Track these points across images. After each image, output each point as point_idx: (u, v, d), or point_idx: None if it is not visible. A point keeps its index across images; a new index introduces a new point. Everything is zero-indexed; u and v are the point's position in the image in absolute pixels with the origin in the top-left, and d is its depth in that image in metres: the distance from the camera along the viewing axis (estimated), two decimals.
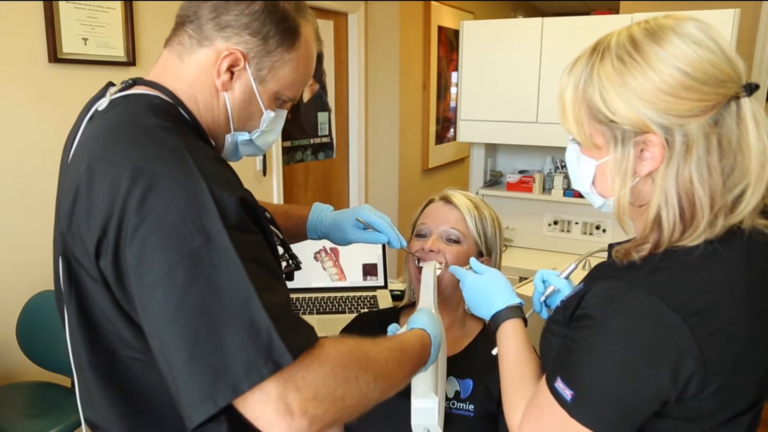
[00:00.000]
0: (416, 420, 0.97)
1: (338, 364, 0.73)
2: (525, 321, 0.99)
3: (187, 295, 0.67)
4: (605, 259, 0.87)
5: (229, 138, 0.92)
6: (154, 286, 0.68)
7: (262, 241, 0.77)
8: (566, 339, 0.80)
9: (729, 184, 0.74)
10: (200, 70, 0.86)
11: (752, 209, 0.75)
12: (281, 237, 1.01)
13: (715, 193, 0.73)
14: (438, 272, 1.21)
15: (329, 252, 1.99)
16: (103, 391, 0.83)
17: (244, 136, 0.93)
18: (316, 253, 1.98)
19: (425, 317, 0.99)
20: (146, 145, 0.75)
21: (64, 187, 0.83)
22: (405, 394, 1.17)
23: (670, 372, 0.71)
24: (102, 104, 0.85)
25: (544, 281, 1.08)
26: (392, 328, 1.05)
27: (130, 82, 0.87)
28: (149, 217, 0.69)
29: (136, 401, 0.83)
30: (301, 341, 0.70)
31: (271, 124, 0.94)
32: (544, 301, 1.07)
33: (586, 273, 0.89)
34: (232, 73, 0.86)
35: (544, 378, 0.81)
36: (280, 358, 0.67)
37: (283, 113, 0.96)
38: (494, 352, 1.00)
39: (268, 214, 1.02)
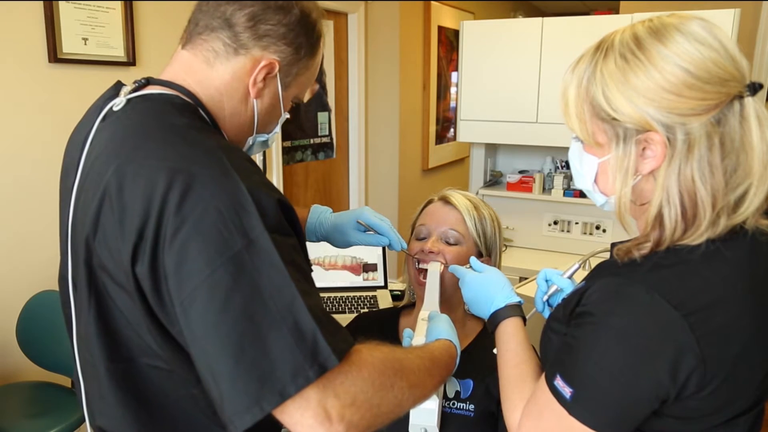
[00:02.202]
0: (415, 420, 0.97)
1: (375, 370, 0.73)
2: (524, 320, 0.99)
3: (231, 299, 0.66)
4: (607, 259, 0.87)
5: (250, 140, 0.94)
6: (196, 291, 0.67)
7: (297, 244, 0.76)
8: (565, 336, 0.80)
9: (732, 184, 0.74)
10: (233, 77, 0.86)
11: (755, 209, 0.75)
12: None
13: (717, 192, 0.73)
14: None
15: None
16: (119, 399, 0.81)
17: (262, 137, 0.95)
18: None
19: (448, 327, 1.00)
20: (180, 145, 0.74)
21: (83, 190, 0.80)
22: None
23: (670, 369, 0.71)
24: (118, 104, 0.83)
25: (547, 280, 1.07)
26: (407, 332, 1.04)
27: (143, 81, 0.86)
28: (189, 219, 0.68)
29: (153, 409, 0.82)
30: (343, 344, 0.70)
31: (279, 123, 0.97)
32: (547, 301, 1.06)
33: (586, 273, 0.88)
34: (264, 81, 0.87)
35: (543, 376, 0.81)
36: (326, 361, 0.67)
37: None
38: (495, 350, 0.99)
39: None
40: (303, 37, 0.87)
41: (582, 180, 0.86)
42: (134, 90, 0.84)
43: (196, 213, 0.68)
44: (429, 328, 1.00)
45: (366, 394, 0.70)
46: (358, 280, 2.00)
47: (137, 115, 0.81)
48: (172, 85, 0.85)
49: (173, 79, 0.86)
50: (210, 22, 0.85)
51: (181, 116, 0.79)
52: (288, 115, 0.95)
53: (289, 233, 0.75)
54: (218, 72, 0.85)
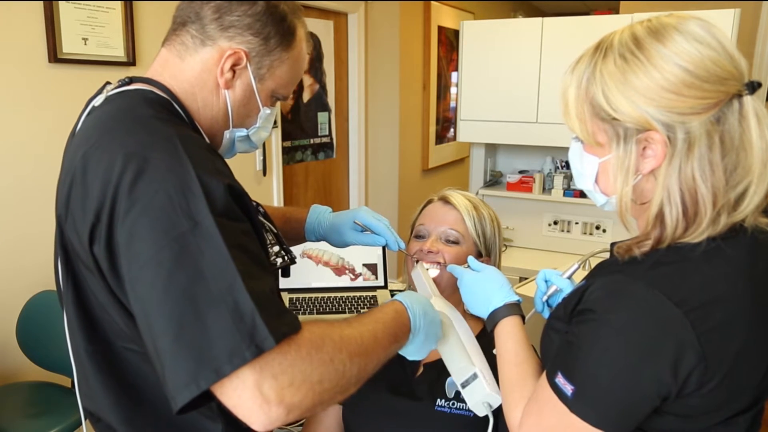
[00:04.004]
0: (470, 400, 0.94)
1: (313, 347, 0.73)
2: (523, 318, 0.99)
3: (173, 278, 0.68)
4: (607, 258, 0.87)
5: (227, 134, 0.95)
6: (142, 269, 0.69)
7: (248, 230, 0.78)
8: (567, 334, 0.80)
9: (731, 182, 0.74)
10: (203, 69, 0.88)
11: (755, 207, 0.76)
12: (275, 232, 1.02)
13: (717, 190, 0.74)
14: (432, 272, 1.21)
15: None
16: (100, 381, 0.84)
17: (241, 132, 0.96)
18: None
19: (401, 293, 0.99)
20: (140, 133, 0.77)
21: (60, 180, 0.86)
22: (405, 394, 1.17)
23: (671, 366, 0.71)
24: (98, 100, 0.87)
25: (546, 281, 1.07)
26: None
27: (126, 80, 0.89)
28: (139, 201, 0.71)
29: (133, 392, 0.84)
30: (284, 328, 0.71)
31: (265, 121, 0.97)
32: (546, 301, 1.06)
33: (587, 273, 0.89)
34: (234, 72, 0.89)
35: (544, 374, 0.81)
36: (263, 342, 0.68)
37: (275, 110, 0.99)
38: (495, 351, 0.99)
39: (261, 209, 1.03)
40: (271, 28, 0.89)
41: (583, 180, 0.86)
42: (117, 88, 0.88)
43: (146, 195, 0.71)
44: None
45: (305, 374, 0.71)
46: (358, 280, 2.00)
47: (109, 108, 0.85)
48: (150, 81, 0.89)
49: (152, 75, 0.90)
50: (183, 18, 0.89)
51: (148, 108, 0.82)
52: (269, 111, 0.96)
53: (239, 218, 0.76)
54: (189, 64, 0.89)
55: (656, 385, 0.72)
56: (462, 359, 0.95)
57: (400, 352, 0.95)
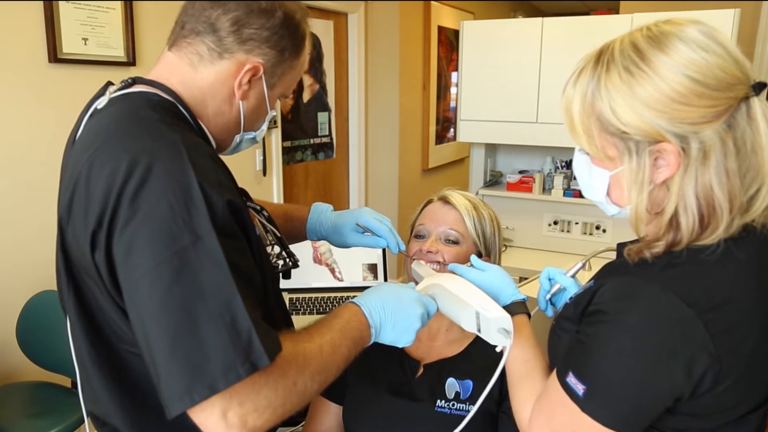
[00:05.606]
0: (489, 338, 0.92)
1: (280, 374, 0.74)
2: (529, 316, 0.99)
3: (172, 292, 0.69)
4: (609, 260, 0.87)
5: (237, 138, 0.96)
6: (141, 280, 0.70)
7: (242, 248, 0.78)
8: (578, 334, 0.80)
9: (744, 185, 0.74)
10: (217, 80, 0.88)
11: (765, 208, 0.76)
12: (278, 235, 1.02)
13: (734, 196, 0.73)
14: (431, 268, 1.21)
15: None
16: (104, 384, 0.84)
17: (250, 135, 0.97)
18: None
19: (360, 295, 0.97)
20: (144, 137, 0.76)
21: (63, 183, 0.85)
22: (405, 395, 1.17)
23: (685, 367, 0.71)
24: (101, 102, 0.86)
25: (550, 279, 1.07)
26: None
27: (129, 81, 0.88)
28: (141, 211, 0.71)
29: (137, 394, 0.84)
30: (276, 347, 0.72)
31: (269, 119, 0.98)
32: (550, 299, 1.06)
33: (588, 273, 0.88)
34: (249, 83, 0.89)
35: (554, 373, 0.81)
36: (258, 360, 0.69)
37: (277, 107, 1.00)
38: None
39: (265, 213, 1.02)
40: (287, 40, 0.89)
41: (592, 192, 0.85)
42: (120, 89, 0.87)
43: (148, 204, 0.71)
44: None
45: (269, 399, 0.73)
46: (358, 280, 2.00)
47: (113, 111, 0.84)
48: (155, 84, 0.87)
49: (157, 78, 0.88)
50: (195, 26, 0.87)
51: (153, 111, 0.81)
52: (275, 112, 0.96)
53: (235, 235, 0.76)
54: (202, 74, 0.88)
55: (669, 386, 0.72)
56: (460, 309, 0.94)
57: (384, 343, 0.94)
